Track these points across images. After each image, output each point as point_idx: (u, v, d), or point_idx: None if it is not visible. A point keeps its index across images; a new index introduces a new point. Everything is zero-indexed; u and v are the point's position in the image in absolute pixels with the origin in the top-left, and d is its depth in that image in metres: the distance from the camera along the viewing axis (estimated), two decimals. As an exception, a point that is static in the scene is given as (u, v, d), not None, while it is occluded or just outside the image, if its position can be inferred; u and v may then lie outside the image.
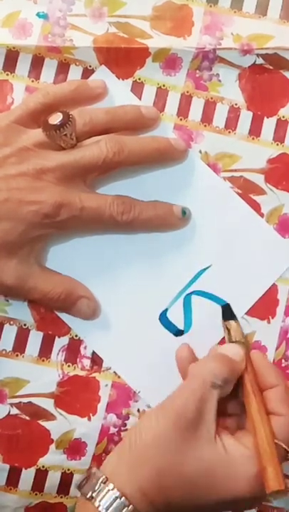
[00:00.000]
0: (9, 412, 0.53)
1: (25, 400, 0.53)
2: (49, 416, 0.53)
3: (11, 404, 0.53)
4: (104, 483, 0.45)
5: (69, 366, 0.54)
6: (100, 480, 0.46)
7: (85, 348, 0.54)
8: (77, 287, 0.52)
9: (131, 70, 0.55)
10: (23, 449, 0.53)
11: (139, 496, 0.45)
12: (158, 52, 0.55)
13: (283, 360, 0.54)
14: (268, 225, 0.54)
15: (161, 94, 0.55)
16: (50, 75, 0.55)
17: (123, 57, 0.54)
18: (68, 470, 0.53)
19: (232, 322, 0.51)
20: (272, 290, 0.54)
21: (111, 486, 0.45)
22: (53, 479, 0.53)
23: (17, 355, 0.53)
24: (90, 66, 0.55)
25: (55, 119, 0.49)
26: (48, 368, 0.53)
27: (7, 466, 0.53)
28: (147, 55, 0.55)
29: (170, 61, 0.55)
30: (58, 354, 0.53)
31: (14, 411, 0.53)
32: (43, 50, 0.54)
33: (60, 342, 0.54)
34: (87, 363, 0.54)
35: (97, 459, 0.53)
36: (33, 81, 0.55)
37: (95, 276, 0.53)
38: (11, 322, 0.53)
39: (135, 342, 0.53)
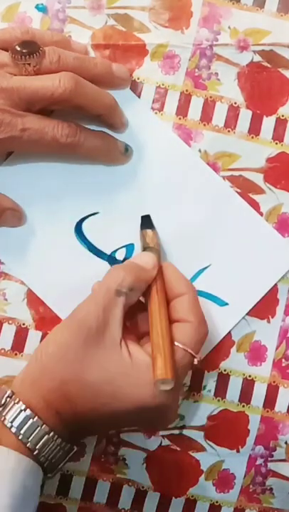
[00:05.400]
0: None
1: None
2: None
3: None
4: (11, 397, 0.46)
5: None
6: (6, 395, 0.46)
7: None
8: (2, 200, 0.52)
9: (130, 70, 0.54)
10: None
11: (45, 407, 0.45)
12: (156, 50, 0.54)
13: (283, 360, 0.54)
14: (267, 225, 0.54)
15: (161, 93, 0.54)
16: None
17: (121, 57, 0.54)
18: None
19: (148, 230, 0.52)
20: (272, 290, 0.54)
21: (17, 399, 0.45)
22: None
23: (16, 354, 0.53)
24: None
25: (25, 46, 0.48)
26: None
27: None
28: (145, 54, 0.54)
29: (168, 59, 0.54)
30: (56, 353, 0.53)
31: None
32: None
33: (59, 341, 0.53)
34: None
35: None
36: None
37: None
38: (10, 321, 0.53)
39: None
